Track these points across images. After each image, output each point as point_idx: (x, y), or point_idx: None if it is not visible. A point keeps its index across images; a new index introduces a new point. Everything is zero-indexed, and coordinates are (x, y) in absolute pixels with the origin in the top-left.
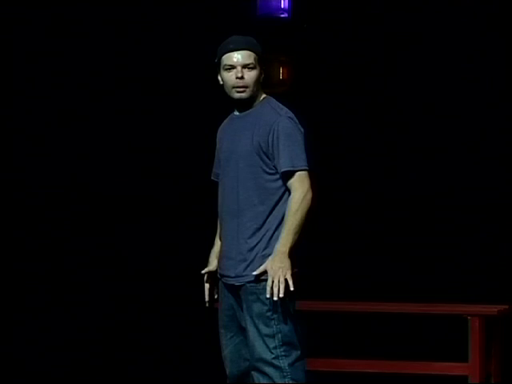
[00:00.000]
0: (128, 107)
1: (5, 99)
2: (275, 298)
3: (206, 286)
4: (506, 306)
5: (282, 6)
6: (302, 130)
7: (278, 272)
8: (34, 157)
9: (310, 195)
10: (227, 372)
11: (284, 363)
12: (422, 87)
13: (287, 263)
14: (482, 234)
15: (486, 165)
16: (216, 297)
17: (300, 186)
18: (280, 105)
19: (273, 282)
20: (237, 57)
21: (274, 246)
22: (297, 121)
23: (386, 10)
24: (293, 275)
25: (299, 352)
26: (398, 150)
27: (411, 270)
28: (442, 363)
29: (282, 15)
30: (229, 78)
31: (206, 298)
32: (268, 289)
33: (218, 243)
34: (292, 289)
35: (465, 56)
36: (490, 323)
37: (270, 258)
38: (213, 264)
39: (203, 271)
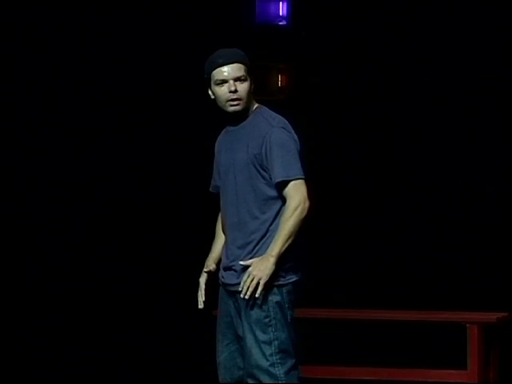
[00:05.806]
0: (127, 118)
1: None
2: (242, 296)
3: (202, 286)
4: (505, 314)
5: (281, 14)
6: (296, 139)
7: (257, 274)
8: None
9: (305, 204)
10: (220, 379)
11: (280, 371)
12: (422, 95)
13: (270, 270)
14: (481, 241)
15: (486, 174)
16: (204, 298)
17: (296, 195)
18: (273, 114)
19: (250, 284)
20: (227, 71)
21: None
22: (291, 130)
23: (384, 18)
24: (280, 285)
25: (294, 360)
26: (397, 158)
27: (410, 277)
28: (440, 371)
29: (281, 23)
30: (222, 92)
31: (200, 299)
32: (242, 284)
33: (215, 248)
34: (257, 296)
35: (463, 63)
36: (489, 331)
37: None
38: (209, 267)
39: (205, 269)
